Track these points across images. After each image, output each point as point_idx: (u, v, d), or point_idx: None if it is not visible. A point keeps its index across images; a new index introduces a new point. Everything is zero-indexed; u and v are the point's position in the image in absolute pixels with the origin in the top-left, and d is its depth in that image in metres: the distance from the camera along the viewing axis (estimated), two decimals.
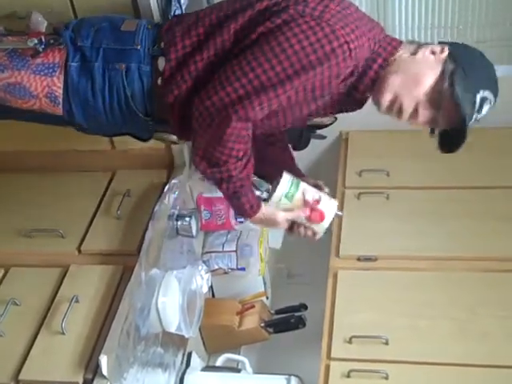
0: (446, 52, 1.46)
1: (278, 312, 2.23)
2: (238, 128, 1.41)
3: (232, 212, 2.12)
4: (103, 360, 1.51)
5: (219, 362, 2.11)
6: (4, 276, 1.83)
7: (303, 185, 1.59)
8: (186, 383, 1.95)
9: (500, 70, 2.40)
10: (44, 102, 1.55)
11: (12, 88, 1.54)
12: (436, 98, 1.43)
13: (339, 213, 1.67)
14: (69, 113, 1.56)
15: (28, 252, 1.91)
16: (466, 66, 1.44)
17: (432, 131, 1.51)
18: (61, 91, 1.53)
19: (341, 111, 1.66)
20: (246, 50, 1.42)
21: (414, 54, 1.47)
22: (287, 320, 2.14)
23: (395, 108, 1.47)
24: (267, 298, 2.34)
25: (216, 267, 2.20)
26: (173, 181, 1.94)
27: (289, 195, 1.57)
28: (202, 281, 1.95)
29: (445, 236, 2.09)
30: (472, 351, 1.82)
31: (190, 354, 2.03)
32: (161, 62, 1.51)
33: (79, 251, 1.89)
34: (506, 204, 2.16)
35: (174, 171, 2.06)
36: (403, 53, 1.48)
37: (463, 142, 1.44)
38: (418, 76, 1.45)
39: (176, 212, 1.92)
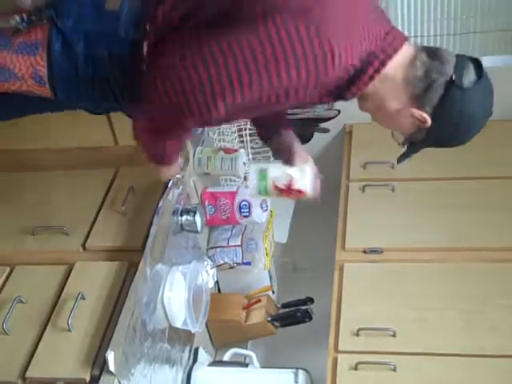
0: (427, 124, 1.36)
1: (284, 306, 2.22)
2: None
3: (237, 207, 2.12)
4: (110, 356, 1.50)
5: (226, 356, 2.11)
6: (9, 274, 1.83)
7: (270, 173, 1.58)
8: (193, 378, 1.95)
9: (503, 60, 2.39)
10: (30, 83, 1.51)
11: None
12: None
13: (319, 177, 1.61)
14: (54, 93, 1.51)
15: (33, 250, 1.90)
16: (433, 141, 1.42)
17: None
18: (45, 70, 1.48)
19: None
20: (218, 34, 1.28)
21: (397, 110, 1.37)
22: (294, 314, 2.13)
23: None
24: (273, 292, 2.34)
25: (221, 262, 2.19)
26: (177, 176, 1.93)
27: (263, 192, 1.60)
28: (207, 276, 1.95)
29: (451, 227, 2.09)
30: (480, 342, 1.81)
31: (196, 350, 2.03)
32: (145, 47, 1.44)
33: (84, 248, 1.89)
34: None
35: None
36: (394, 76, 1.35)
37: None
38: (390, 124, 1.43)
39: (180, 207, 1.92)
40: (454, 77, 1.32)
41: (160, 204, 1.85)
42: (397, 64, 1.34)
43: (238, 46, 1.26)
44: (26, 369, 1.58)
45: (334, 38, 1.26)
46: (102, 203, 2.00)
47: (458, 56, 1.36)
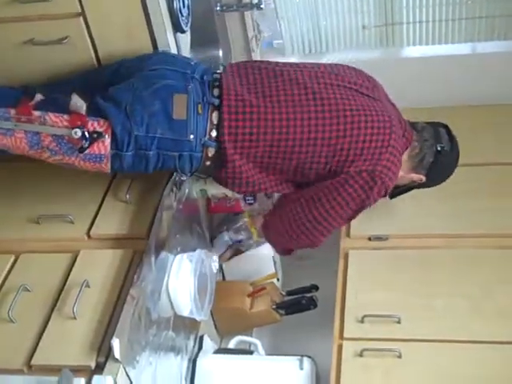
0: (423, 181, 1.95)
1: (289, 293, 2.22)
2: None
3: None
4: (115, 343, 1.50)
5: (232, 344, 2.12)
6: (14, 262, 1.83)
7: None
8: (198, 366, 1.95)
9: (508, 45, 2.36)
10: (92, 173, 1.80)
11: (65, 165, 1.76)
12: None
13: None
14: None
15: (38, 238, 1.91)
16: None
17: None
18: (108, 170, 1.75)
19: None
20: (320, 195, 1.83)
21: (401, 176, 1.90)
22: (299, 301, 2.14)
23: None
24: (278, 279, 2.34)
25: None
26: None
27: None
28: (212, 264, 1.94)
29: (457, 213, 2.08)
30: (488, 328, 1.81)
31: (202, 337, 2.03)
32: (211, 150, 1.73)
33: (89, 236, 1.89)
34: None
35: None
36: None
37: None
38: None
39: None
40: (439, 148, 1.88)
41: (165, 192, 1.85)
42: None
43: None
44: (31, 356, 1.59)
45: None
46: (107, 191, 2.00)
47: (432, 126, 1.92)
